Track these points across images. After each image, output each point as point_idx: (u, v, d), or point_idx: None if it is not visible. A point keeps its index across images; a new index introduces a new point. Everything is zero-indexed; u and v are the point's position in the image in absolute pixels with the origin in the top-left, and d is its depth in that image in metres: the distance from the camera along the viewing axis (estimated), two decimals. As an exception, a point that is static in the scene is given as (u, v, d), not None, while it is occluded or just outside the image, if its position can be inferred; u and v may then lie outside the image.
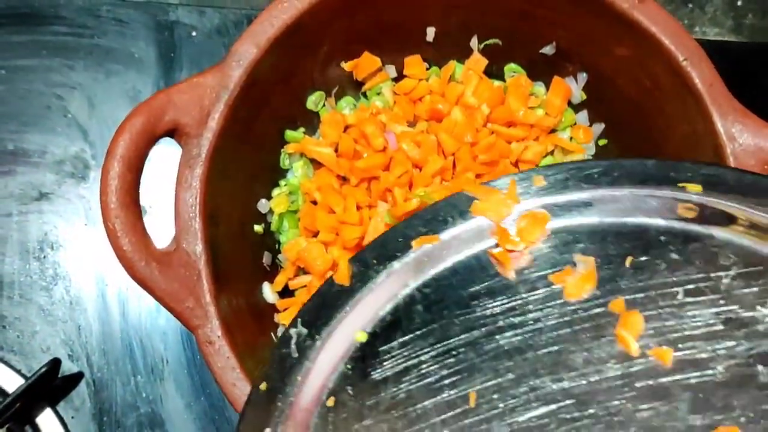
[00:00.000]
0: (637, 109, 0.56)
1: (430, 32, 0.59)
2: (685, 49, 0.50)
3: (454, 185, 0.55)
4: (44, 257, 0.64)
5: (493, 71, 0.61)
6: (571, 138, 0.60)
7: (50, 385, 0.59)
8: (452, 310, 0.41)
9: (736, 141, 0.48)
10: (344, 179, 0.58)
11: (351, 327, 0.41)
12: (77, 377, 0.61)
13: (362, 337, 0.41)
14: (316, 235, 0.56)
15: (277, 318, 0.56)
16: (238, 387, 0.46)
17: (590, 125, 0.60)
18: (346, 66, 0.59)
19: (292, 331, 0.41)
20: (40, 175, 0.65)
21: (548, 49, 0.58)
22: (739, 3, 0.75)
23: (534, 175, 0.42)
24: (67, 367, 0.61)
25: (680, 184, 0.40)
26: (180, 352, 0.62)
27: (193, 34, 0.69)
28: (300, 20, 0.51)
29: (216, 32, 0.69)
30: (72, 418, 0.60)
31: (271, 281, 0.56)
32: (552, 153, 0.60)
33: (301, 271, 0.57)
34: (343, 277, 0.42)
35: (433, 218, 0.43)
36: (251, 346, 0.50)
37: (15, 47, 0.68)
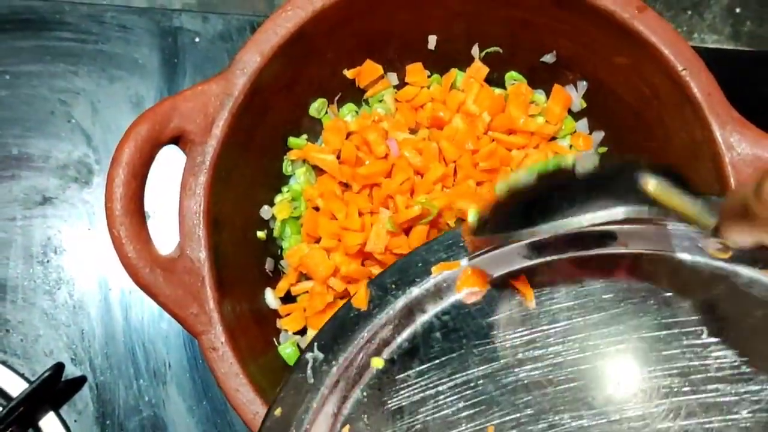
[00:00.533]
0: (637, 117, 0.56)
1: (432, 40, 0.60)
2: (684, 59, 0.51)
3: (454, 192, 0.56)
4: (48, 261, 0.64)
5: (494, 79, 0.61)
6: (570, 146, 0.61)
7: (53, 389, 0.60)
8: (471, 339, 0.40)
9: (734, 150, 0.49)
10: (346, 186, 0.58)
11: (368, 353, 0.40)
12: (80, 381, 0.62)
13: (379, 364, 0.40)
14: (318, 241, 0.56)
15: (279, 323, 0.56)
16: (242, 392, 0.46)
17: (590, 133, 0.61)
18: (349, 73, 0.60)
19: (309, 355, 0.41)
20: (44, 179, 0.66)
21: (549, 58, 0.59)
22: (738, 10, 0.75)
23: None
24: (70, 371, 0.62)
25: None
26: (182, 356, 0.63)
27: (197, 40, 0.69)
28: (303, 29, 0.52)
29: (219, 38, 0.69)
30: (75, 421, 0.61)
31: (274, 287, 0.57)
32: (552, 160, 0.61)
33: (303, 276, 0.57)
34: (360, 301, 0.41)
35: (454, 243, 0.42)
36: (254, 352, 0.50)
37: (19, 52, 0.68)
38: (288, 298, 0.57)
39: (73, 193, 0.66)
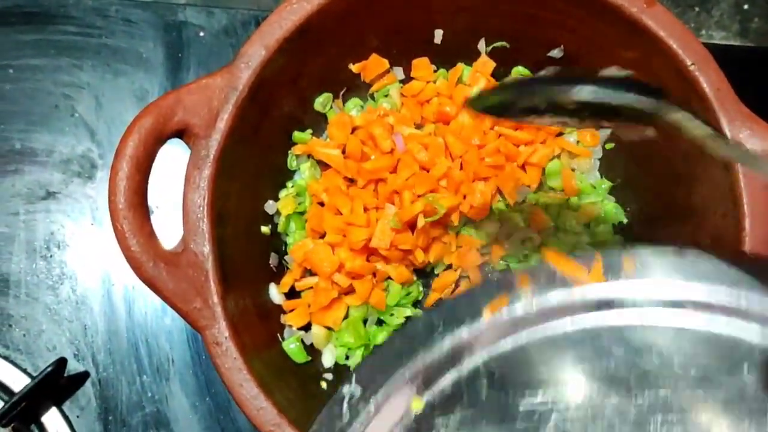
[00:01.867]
0: (644, 112, 0.56)
1: (438, 34, 0.59)
2: (693, 53, 0.50)
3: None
4: (51, 256, 0.64)
5: (501, 74, 0.61)
6: (578, 141, 0.61)
7: (56, 385, 0.59)
8: (518, 389, 0.37)
9: (743, 145, 0.48)
10: (351, 181, 0.58)
11: (408, 392, 0.38)
12: (83, 376, 0.61)
13: (418, 405, 0.38)
14: (322, 236, 0.56)
15: (284, 319, 0.56)
16: (245, 388, 0.46)
17: (597, 129, 0.61)
18: (354, 68, 0.59)
19: (346, 389, 0.38)
20: (48, 174, 0.66)
21: (556, 53, 0.58)
22: (746, 7, 0.75)
23: (625, 256, 0.39)
24: (73, 367, 0.61)
25: None
26: (185, 352, 0.62)
27: (201, 34, 0.69)
28: (308, 22, 0.51)
29: (224, 32, 0.69)
30: (77, 417, 0.60)
31: (278, 282, 0.57)
32: (558, 156, 0.60)
33: (308, 272, 0.57)
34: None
35: (508, 285, 0.40)
36: (257, 347, 0.50)
37: (24, 46, 0.68)
38: (292, 294, 0.57)
39: (77, 188, 0.65)
